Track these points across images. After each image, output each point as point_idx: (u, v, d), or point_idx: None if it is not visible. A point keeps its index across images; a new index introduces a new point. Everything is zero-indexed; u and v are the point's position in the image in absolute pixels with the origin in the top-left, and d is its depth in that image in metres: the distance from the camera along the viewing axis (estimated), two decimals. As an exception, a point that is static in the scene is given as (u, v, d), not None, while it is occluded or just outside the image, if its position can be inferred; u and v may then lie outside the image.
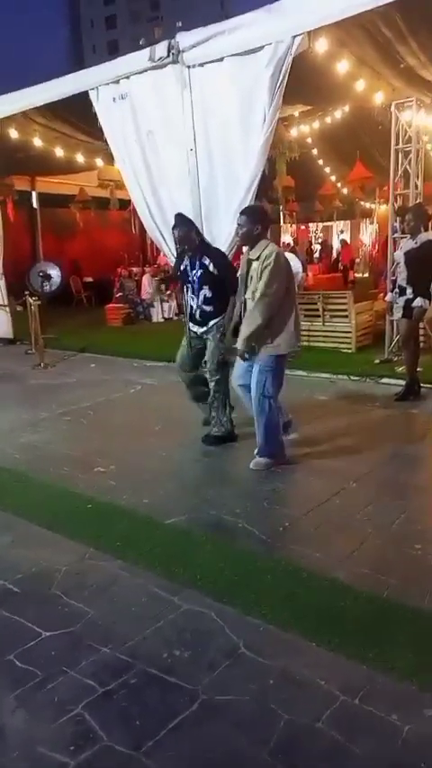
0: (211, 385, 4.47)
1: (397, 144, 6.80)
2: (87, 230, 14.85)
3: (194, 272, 4.39)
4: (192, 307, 4.47)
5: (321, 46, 5.90)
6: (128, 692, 2.04)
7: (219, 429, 4.48)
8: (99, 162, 10.54)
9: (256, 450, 4.01)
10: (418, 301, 5.35)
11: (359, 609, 2.42)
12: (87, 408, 5.68)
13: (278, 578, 2.65)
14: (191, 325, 4.56)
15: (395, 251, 7.01)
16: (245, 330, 3.80)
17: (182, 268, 4.54)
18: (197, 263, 4.38)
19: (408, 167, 6.72)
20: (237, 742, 1.83)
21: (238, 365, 4.13)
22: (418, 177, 6.76)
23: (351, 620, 2.35)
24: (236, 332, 4.11)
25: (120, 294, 12.44)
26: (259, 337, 3.78)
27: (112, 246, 15.83)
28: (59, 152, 9.70)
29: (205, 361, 4.48)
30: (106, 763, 1.76)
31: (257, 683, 2.05)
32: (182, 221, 4.49)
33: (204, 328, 4.45)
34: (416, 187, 6.73)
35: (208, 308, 4.38)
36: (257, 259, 3.80)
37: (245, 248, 4.08)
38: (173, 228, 4.51)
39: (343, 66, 6.31)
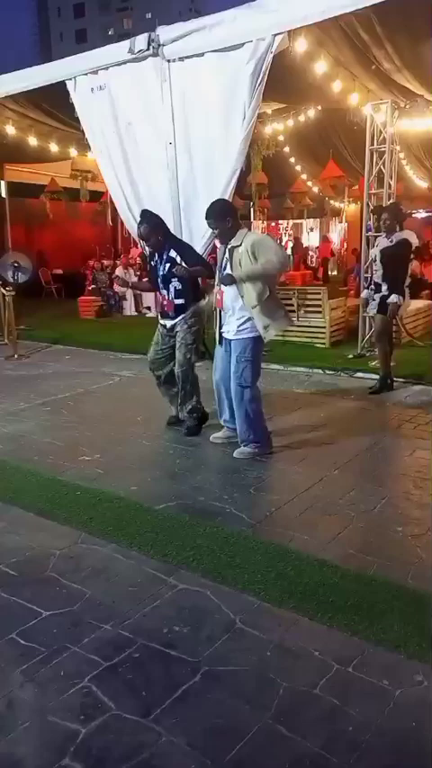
0: (178, 373, 4.50)
1: (372, 144, 6.98)
2: (58, 221, 14.68)
3: (162, 266, 4.47)
4: (163, 303, 4.56)
5: (300, 45, 6.03)
6: (132, 665, 2.12)
7: (191, 417, 4.56)
8: (73, 152, 10.47)
9: (239, 440, 4.12)
10: (393, 298, 5.54)
11: (348, 586, 2.55)
12: (67, 399, 5.69)
13: (269, 559, 2.75)
14: (162, 320, 4.63)
15: (367, 248, 7.21)
16: (252, 268, 3.79)
17: (152, 264, 4.61)
18: (165, 256, 4.45)
19: (382, 168, 6.90)
20: (240, 708, 1.93)
21: (218, 360, 4.18)
22: (391, 177, 6.95)
23: (341, 596, 2.47)
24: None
25: (92, 287, 12.37)
26: (252, 291, 3.82)
27: (84, 238, 15.70)
28: (33, 141, 9.59)
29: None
30: (117, 729, 1.84)
31: (256, 655, 2.16)
32: (145, 218, 4.55)
33: (175, 321, 4.49)
34: (389, 187, 6.92)
35: (179, 302, 4.46)
36: (241, 245, 3.84)
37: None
38: (138, 225, 4.59)
39: (320, 67, 6.44)
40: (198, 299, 4.48)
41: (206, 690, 2.00)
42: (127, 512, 3.25)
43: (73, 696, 1.98)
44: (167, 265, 4.44)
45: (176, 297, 4.46)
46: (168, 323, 4.55)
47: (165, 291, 4.53)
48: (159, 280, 4.53)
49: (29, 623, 2.35)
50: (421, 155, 11.03)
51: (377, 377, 5.90)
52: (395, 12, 5.45)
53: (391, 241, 5.62)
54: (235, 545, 2.87)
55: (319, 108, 9.19)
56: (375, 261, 5.79)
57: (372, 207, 7.12)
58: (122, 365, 7.22)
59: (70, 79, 7.23)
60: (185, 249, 4.54)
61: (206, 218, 4.00)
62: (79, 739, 1.80)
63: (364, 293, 6.22)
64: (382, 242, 5.77)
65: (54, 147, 10.07)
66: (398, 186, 8.31)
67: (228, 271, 3.93)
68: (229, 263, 3.95)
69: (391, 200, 7.04)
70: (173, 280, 4.43)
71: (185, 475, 3.84)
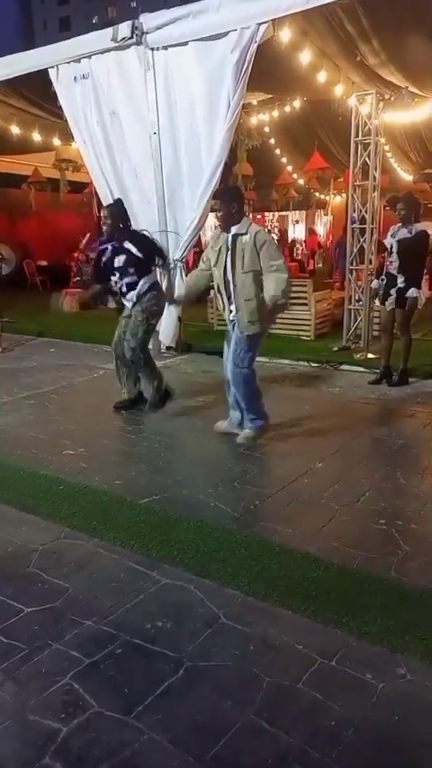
0: (130, 355, 4.61)
1: (357, 136, 6.95)
2: (41, 212, 14.50)
3: (118, 258, 4.57)
4: (119, 292, 4.70)
5: (284, 35, 5.97)
6: (114, 661, 2.10)
7: (154, 393, 4.69)
8: (56, 141, 10.33)
9: (245, 417, 4.16)
10: (413, 291, 5.47)
11: (331, 579, 2.54)
12: (50, 392, 5.63)
13: (253, 553, 2.74)
14: (124, 302, 4.75)
15: (352, 241, 7.21)
16: (279, 287, 3.81)
17: (104, 260, 4.66)
18: (120, 248, 4.56)
19: (367, 159, 6.88)
20: (222, 704, 1.92)
21: (229, 352, 4.14)
22: (376, 169, 6.93)
23: (324, 589, 2.47)
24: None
25: (77, 279, 12.25)
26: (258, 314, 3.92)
27: (68, 230, 15.51)
28: (15, 130, 9.45)
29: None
30: (98, 727, 1.82)
31: (239, 650, 2.15)
32: (116, 204, 4.83)
33: (133, 303, 4.63)
34: (374, 179, 6.91)
35: (131, 294, 4.63)
36: (246, 233, 3.83)
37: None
38: (104, 207, 4.82)
39: (305, 57, 6.38)
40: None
41: (189, 686, 1.99)
42: (110, 506, 3.22)
43: (54, 694, 1.95)
44: (123, 257, 4.55)
45: (129, 288, 4.60)
46: (129, 307, 4.70)
47: (119, 281, 4.60)
48: (115, 274, 4.61)
49: (10, 620, 2.32)
50: (406, 147, 11.03)
51: (362, 369, 5.91)
52: (381, 3, 5.42)
53: (410, 232, 5.47)
54: (219, 539, 2.85)
55: (305, 99, 9.15)
56: (392, 252, 5.62)
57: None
58: (107, 358, 7.09)
59: (52, 67, 7.12)
60: (140, 239, 4.63)
61: (213, 198, 4.09)
62: (60, 738, 1.78)
63: (374, 283, 6.10)
64: (400, 232, 5.57)
65: (37, 137, 9.93)
66: (383, 178, 8.31)
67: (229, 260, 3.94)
68: (229, 253, 3.89)
69: (376, 193, 7.04)
70: (128, 271, 4.55)
71: (170, 468, 3.82)
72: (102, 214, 4.79)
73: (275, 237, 17.20)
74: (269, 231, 17.38)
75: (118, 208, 4.74)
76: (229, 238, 3.90)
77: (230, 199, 3.95)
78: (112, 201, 6.89)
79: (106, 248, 4.65)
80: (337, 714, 1.86)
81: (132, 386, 4.87)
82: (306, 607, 2.36)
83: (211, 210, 4.21)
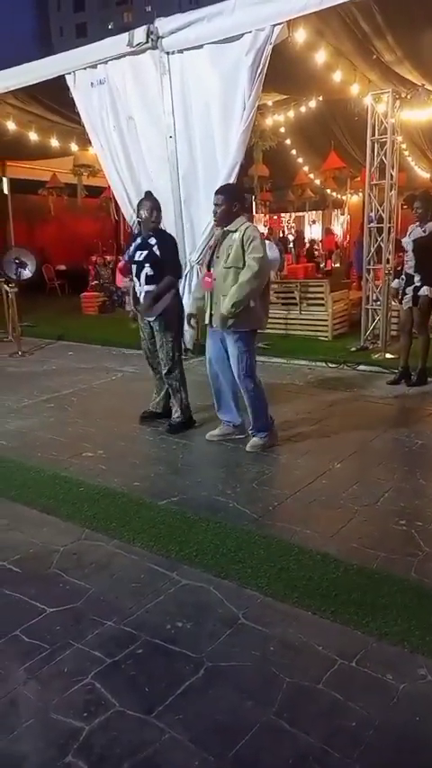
0: (165, 373, 4.49)
1: (373, 135, 6.91)
2: (60, 217, 14.66)
3: (141, 252, 4.40)
4: (138, 291, 4.48)
5: (299, 36, 5.96)
6: (135, 661, 2.12)
7: (180, 416, 4.54)
8: (74, 147, 10.43)
9: (250, 429, 4.12)
10: (425, 290, 5.43)
11: (350, 580, 2.54)
12: (70, 395, 5.70)
13: (272, 554, 2.75)
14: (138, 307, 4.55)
15: (369, 240, 7.17)
16: (234, 295, 3.74)
17: (131, 251, 4.50)
18: (146, 243, 4.40)
19: (383, 158, 6.84)
20: (243, 704, 1.92)
21: (211, 349, 4.13)
22: (393, 168, 6.89)
23: (344, 590, 2.46)
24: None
25: (95, 282, 12.36)
26: (242, 309, 3.80)
27: (86, 234, 15.66)
28: (33, 136, 9.55)
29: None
30: (120, 726, 1.84)
31: (259, 650, 2.15)
32: (151, 197, 4.50)
33: (158, 315, 4.40)
34: (391, 178, 6.86)
35: (149, 288, 4.37)
36: (236, 231, 3.82)
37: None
38: (141, 201, 4.52)
39: (320, 57, 6.37)
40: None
41: (209, 686, 2.00)
42: (130, 507, 3.25)
43: (76, 693, 1.98)
44: (145, 252, 4.38)
45: (147, 282, 4.37)
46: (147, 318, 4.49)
47: (137, 279, 4.43)
48: (136, 267, 4.43)
49: (32, 620, 2.35)
50: (423, 145, 10.94)
51: (380, 369, 5.87)
52: (395, 0, 5.39)
53: (425, 231, 5.43)
54: (237, 540, 2.86)
55: (320, 99, 9.12)
56: (407, 251, 5.60)
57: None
58: (125, 361, 7.21)
59: (69, 73, 7.20)
60: (164, 241, 4.41)
61: (215, 194, 3.99)
62: (82, 737, 1.80)
63: (394, 282, 6.06)
64: (416, 231, 5.53)
65: (55, 143, 10.04)
66: (400, 177, 8.26)
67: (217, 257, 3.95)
68: (216, 248, 3.94)
69: (393, 191, 6.99)
70: (145, 266, 4.36)
71: (188, 470, 3.84)
72: (137, 210, 4.54)
73: (292, 237, 17.22)
74: (276, 233, 17.35)
75: (150, 202, 4.43)
76: (219, 234, 3.92)
77: (233, 197, 3.96)
78: (130, 202, 7.02)
79: (136, 239, 4.52)
80: (357, 715, 1.86)
81: (163, 399, 4.73)
82: (326, 608, 2.36)
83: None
